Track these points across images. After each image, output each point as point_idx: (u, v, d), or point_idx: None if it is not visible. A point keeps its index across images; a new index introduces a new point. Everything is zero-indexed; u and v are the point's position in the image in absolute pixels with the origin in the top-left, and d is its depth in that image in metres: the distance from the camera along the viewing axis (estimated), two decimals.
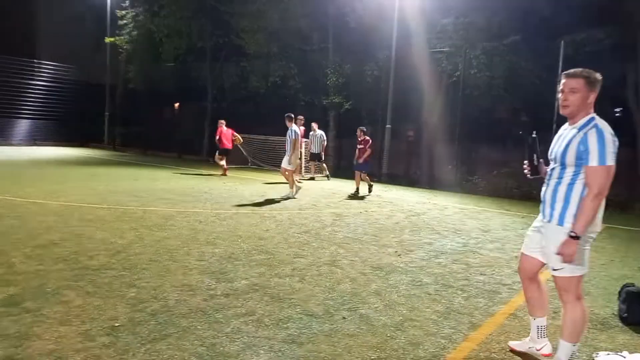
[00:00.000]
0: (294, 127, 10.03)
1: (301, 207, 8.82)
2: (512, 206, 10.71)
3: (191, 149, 21.93)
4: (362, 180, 11.27)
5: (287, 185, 10.14)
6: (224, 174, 13.86)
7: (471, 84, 14.51)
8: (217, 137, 14.13)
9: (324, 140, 14.69)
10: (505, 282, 4.68)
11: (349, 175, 13.30)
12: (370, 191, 11.24)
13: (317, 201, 9.73)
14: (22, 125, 26.94)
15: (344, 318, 3.47)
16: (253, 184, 12.14)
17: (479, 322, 3.58)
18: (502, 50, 13.81)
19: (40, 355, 2.64)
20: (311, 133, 14.45)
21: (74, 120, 27.59)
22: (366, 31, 15.82)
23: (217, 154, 14.24)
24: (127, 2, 25.02)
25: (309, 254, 5.28)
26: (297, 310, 3.57)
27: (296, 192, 9.94)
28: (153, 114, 26.12)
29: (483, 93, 14.45)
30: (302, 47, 17.94)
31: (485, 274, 4.92)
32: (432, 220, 8.24)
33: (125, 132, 27.15)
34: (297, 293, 3.95)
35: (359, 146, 11.24)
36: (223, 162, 14.08)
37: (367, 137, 11.25)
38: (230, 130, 14.35)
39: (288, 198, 9.66)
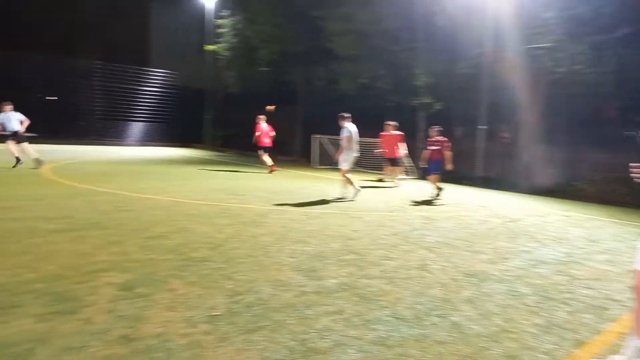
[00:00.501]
0: (348, 124, 9.61)
1: (390, 209, 8.75)
2: (625, 215, 9.73)
3: (284, 149, 22.69)
4: (433, 183, 10.71)
5: (373, 186, 10.11)
6: (272, 171, 14.15)
7: (577, 80, 13.41)
8: (258, 134, 14.24)
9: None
10: (615, 297, 4.27)
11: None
12: (438, 195, 10.58)
13: (406, 204, 9.59)
14: (135, 128, 29.73)
15: (435, 324, 3.40)
16: (335, 185, 12.27)
17: (584, 339, 3.32)
18: (613, 43, 12.59)
19: (150, 336, 2.90)
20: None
21: (178, 122, 29.88)
22: (456, 29, 15.28)
23: (259, 151, 14.45)
24: (226, 11, 26.56)
25: (397, 257, 5.24)
26: (386, 312, 3.56)
27: (355, 194, 9.51)
28: (249, 116, 27.46)
29: (589, 91, 13.28)
30: (390, 48, 17.79)
31: (592, 288, 4.53)
32: (531, 227, 7.75)
33: (223, 134, 28.84)
34: (385, 295, 3.94)
35: (431, 147, 10.65)
36: (267, 159, 14.31)
37: (443, 137, 10.62)
38: (269, 127, 14.48)
39: (344, 198, 9.46)
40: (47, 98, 27.92)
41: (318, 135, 20.19)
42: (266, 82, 24.81)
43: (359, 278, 4.35)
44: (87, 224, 5.81)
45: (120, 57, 28.90)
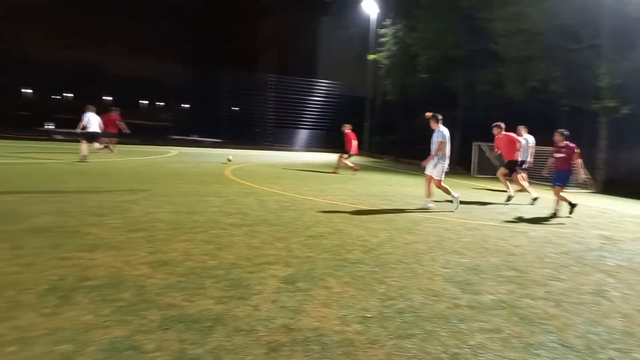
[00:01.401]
0: (442, 128, 8.67)
1: (559, 224, 7.89)
2: None
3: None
4: (556, 196, 8.96)
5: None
6: (355, 171, 14.94)
7: None
8: (349, 140, 15.15)
9: (530, 147, 12.80)
10: None
11: (621, 192, 11.17)
12: (571, 212, 8.83)
13: (580, 220, 8.53)
14: (302, 134, 32.06)
15: (612, 359, 2.98)
16: (503, 195, 11.46)
17: None
18: None
19: (307, 329, 3.12)
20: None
21: (338, 129, 31.33)
22: None
23: (340, 155, 15.35)
24: (388, 20, 27.00)
25: (567, 278, 4.70)
26: (551, 337, 3.24)
27: (456, 206, 8.62)
28: (406, 123, 27.41)
29: None
30: (567, 47, 15.99)
31: None
32: None
33: (381, 140, 29.33)
34: (551, 319, 3.58)
35: (557, 155, 8.99)
36: (347, 162, 15.17)
37: (571, 143, 8.88)
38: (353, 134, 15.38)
39: (426, 209, 8.55)
40: (231, 108, 31.87)
41: (479, 142, 19.19)
42: (425, 89, 24.50)
43: (520, 297, 4.04)
44: (258, 220, 6.48)
45: (292, 69, 31.54)
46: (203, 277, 3.97)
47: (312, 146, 31.40)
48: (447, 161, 8.63)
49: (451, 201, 8.72)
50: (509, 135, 10.49)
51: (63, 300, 3.29)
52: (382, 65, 27.90)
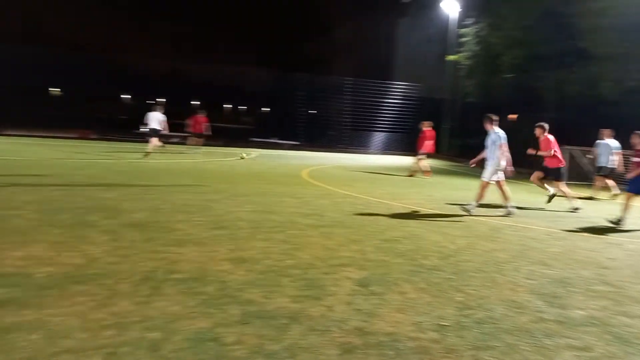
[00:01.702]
0: (497, 129, 8.19)
1: None
2: None
3: (526, 162, 20.92)
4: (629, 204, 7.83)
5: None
6: (427, 175, 14.55)
7: None
8: (423, 138, 14.81)
9: (615, 152, 11.55)
10: None
11: None
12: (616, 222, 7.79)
13: None
14: (377, 137, 31.91)
15: None
16: (596, 204, 10.62)
17: None
18: None
19: (381, 333, 3.10)
20: (598, 142, 11.89)
21: (414, 132, 30.72)
22: None
23: (417, 158, 14.95)
24: (470, 19, 26.09)
25: None
26: None
27: (509, 212, 8.17)
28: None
29: None
30: None
31: None
32: None
33: (461, 144, 28.37)
34: None
35: (635, 159, 8.07)
36: (424, 164, 14.78)
37: None
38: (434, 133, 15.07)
39: (509, 214, 8.10)
40: (308, 111, 32.52)
41: (568, 147, 17.90)
42: (508, 90, 23.35)
43: (614, 314, 3.73)
44: (333, 222, 6.55)
45: (368, 72, 31.52)
46: (280, 276, 4.09)
47: (387, 149, 31.11)
48: (503, 164, 8.18)
49: (467, 206, 8.21)
50: (548, 138, 9.69)
51: (154, 290, 3.55)
52: (462, 66, 27.00)
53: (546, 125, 9.44)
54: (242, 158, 18.23)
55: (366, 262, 4.70)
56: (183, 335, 2.84)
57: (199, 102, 30.88)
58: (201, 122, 20.03)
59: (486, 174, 8.21)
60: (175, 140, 27.16)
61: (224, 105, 40.99)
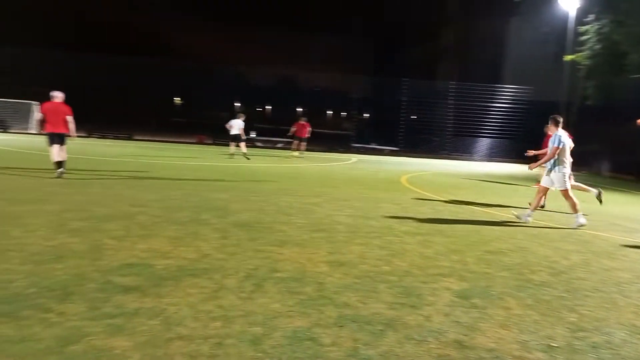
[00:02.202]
0: (560, 132, 7.45)
1: None
2: None
3: None
4: None
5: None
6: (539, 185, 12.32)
7: None
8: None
9: None
10: None
11: None
12: None
13: None
14: (482, 143, 30.43)
15: None
16: None
17: None
18: None
19: (482, 349, 2.96)
20: None
21: (525, 138, 28.78)
22: None
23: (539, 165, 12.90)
24: (591, 16, 23.83)
25: None
26: None
27: (525, 220, 7.44)
28: (608, 131, 23.77)
29: None
30: None
31: None
32: None
33: (578, 151, 26.02)
34: None
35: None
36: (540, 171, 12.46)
37: None
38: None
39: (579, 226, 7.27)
40: (410, 117, 32.05)
41: None
42: (634, 91, 20.89)
43: None
44: (432, 230, 6.38)
45: (474, 76, 30.19)
46: (376, 282, 4.09)
47: (493, 156, 29.49)
48: (567, 169, 7.59)
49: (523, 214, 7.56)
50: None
51: (256, 287, 3.75)
52: (581, 67, 24.73)
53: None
54: (293, 157, 19.05)
55: (467, 274, 4.51)
56: (282, 333, 2.97)
57: (303, 109, 31.97)
58: (304, 128, 20.86)
59: (556, 182, 7.56)
60: (279, 145, 28.41)
61: (327, 112, 41.97)
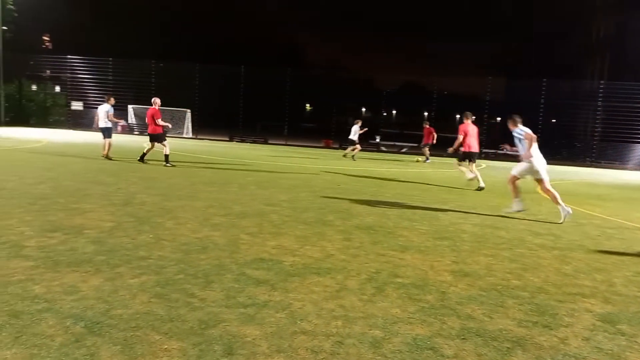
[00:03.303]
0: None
1: None
2: None
3: None
4: None
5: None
6: None
7: None
8: None
9: None
10: None
11: None
12: None
13: None
14: (636, 150, 26.65)
15: None
16: None
17: None
18: None
19: None
20: None
21: None
22: None
23: None
24: None
25: None
26: None
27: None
28: None
29: None
30: None
31: None
32: None
33: None
34: None
35: None
36: None
37: None
38: None
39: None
40: (551, 120, 29.40)
41: None
42: None
43: None
44: (572, 245, 5.80)
45: (629, 74, 26.58)
46: (505, 296, 3.85)
47: None
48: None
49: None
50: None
51: (377, 291, 3.79)
52: None
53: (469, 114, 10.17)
54: (417, 161, 19.63)
55: (613, 296, 4.02)
56: (402, 339, 2.96)
57: (429, 113, 31.28)
58: (429, 132, 20.52)
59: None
60: (404, 150, 28.14)
61: (457, 116, 40.49)
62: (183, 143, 23.66)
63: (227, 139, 30.41)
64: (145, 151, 12.41)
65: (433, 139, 20.50)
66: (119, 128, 28.75)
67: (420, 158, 20.82)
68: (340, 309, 3.37)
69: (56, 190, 7.45)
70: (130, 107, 29.69)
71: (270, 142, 30.40)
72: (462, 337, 3.03)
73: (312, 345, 2.79)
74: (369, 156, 23.19)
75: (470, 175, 11.20)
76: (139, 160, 12.32)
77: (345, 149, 21.57)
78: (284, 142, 30.06)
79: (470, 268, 4.56)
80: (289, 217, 6.44)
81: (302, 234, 5.51)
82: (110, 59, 30.18)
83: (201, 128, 31.69)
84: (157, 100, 12.41)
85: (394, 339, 2.95)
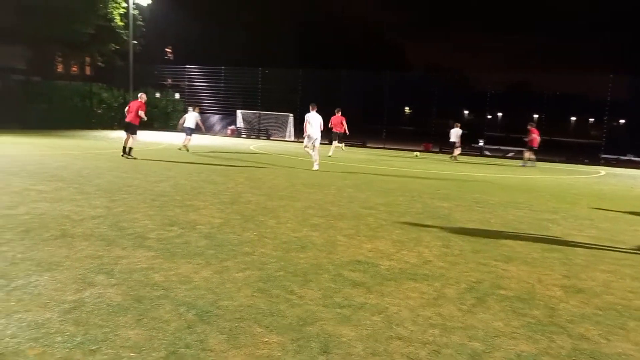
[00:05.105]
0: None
1: None
2: None
3: None
4: None
5: None
6: None
7: None
8: None
9: None
10: None
11: None
12: None
13: None
14: None
15: None
16: None
17: None
18: None
19: None
20: None
21: None
22: None
23: None
24: None
25: None
26: None
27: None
28: None
29: None
30: None
31: None
32: None
33: None
34: None
35: None
36: None
37: None
38: None
39: None
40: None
41: None
42: None
43: None
44: None
45: None
46: (625, 317, 3.48)
47: None
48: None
49: None
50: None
51: (478, 301, 3.63)
52: None
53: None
54: (416, 156, 20.49)
55: None
56: (504, 354, 2.81)
57: (539, 115, 29.16)
58: (535, 135, 19.13)
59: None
60: (510, 154, 26.53)
61: (571, 118, 37.25)
62: (286, 146, 24.58)
63: (327, 142, 30.98)
64: (125, 144, 12.79)
65: (536, 143, 19.10)
66: (229, 131, 30.68)
67: (418, 153, 20.22)
68: (437, 317, 3.30)
69: (174, 188, 8.17)
70: (239, 112, 31.50)
71: (368, 145, 30.44)
72: (573, 358, 2.80)
73: (407, 352, 2.76)
74: (472, 160, 22.20)
75: None
76: (122, 154, 12.64)
77: (451, 153, 21.24)
78: (382, 146, 29.93)
79: (585, 284, 4.19)
80: (386, 221, 6.41)
81: (398, 239, 5.46)
82: (223, 67, 32.31)
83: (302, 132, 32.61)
84: (143, 96, 13.57)
85: (495, 353, 2.82)
